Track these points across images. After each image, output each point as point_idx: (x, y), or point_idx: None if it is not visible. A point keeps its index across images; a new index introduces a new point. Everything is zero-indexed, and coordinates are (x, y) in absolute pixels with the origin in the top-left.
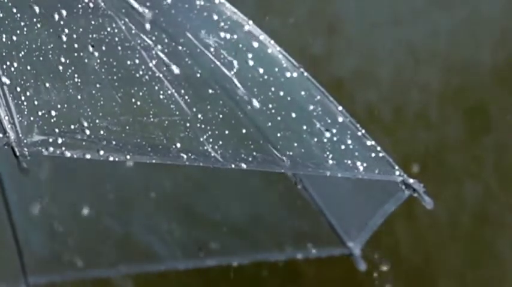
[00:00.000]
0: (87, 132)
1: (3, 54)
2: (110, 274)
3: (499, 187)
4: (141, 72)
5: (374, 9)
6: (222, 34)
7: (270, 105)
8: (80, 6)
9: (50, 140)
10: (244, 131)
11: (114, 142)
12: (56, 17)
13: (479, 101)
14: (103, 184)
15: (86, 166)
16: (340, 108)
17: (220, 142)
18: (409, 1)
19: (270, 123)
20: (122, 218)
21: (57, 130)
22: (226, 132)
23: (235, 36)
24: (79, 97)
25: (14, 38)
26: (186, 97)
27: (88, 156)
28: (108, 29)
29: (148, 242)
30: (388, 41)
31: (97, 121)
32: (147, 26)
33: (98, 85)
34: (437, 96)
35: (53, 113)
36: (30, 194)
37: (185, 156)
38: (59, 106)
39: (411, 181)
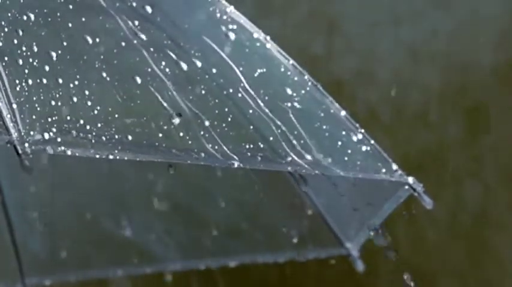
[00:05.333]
0: (88, 130)
1: (5, 52)
2: (107, 275)
3: (499, 187)
4: (142, 72)
5: (374, 9)
6: (224, 34)
7: (270, 105)
8: (81, 5)
9: (52, 138)
10: (244, 130)
11: (114, 141)
12: (57, 16)
13: (479, 101)
14: (101, 185)
15: (85, 166)
16: (339, 108)
17: (221, 141)
18: (409, 1)
19: (269, 123)
20: (120, 219)
21: (59, 128)
22: (227, 131)
23: (236, 37)
24: (81, 96)
25: (16, 36)
26: (187, 96)
27: (89, 154)
28: (109, 28)
29: (147, 243)
30: (388, 41)
31: (98, 120)
32: (148, 26)
33: (99, 84)
34: (437, 96)
35: (55, 111)
36: (28, 194)
37: (186, 155)
38: (60, 104)
39: (411, 180)
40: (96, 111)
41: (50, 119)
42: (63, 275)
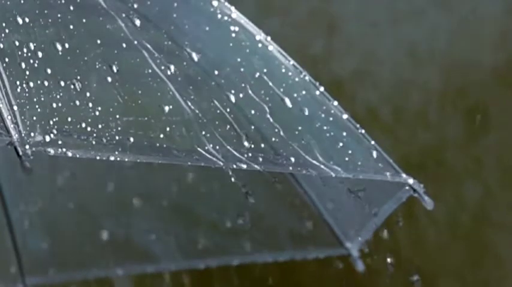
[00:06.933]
0: (89, 132)
1: (6, 54)
2: (108, 274)
3: (499, 187)
4: (142, 73)
5: (374, 9)
6: (224, 34)
7: (271, 106)
8: (81, 6)
9: (53, 139)
10: (245, 131)
11: (115, 142)
12: (58, 17)
13: (479, 101)
14: (101, 185)
15: (85, 166)
16: (340, 109)
17: (221, 142)
18: (409, 1)
19: (270, 124)
20: (120, 219)
21: (59, 130)
22: (228, 132)
23: (238, 38)
24: (81, 97)
25: (17, 38)
26: (188, 97)
27: (90, 156)
28: (110, 29)
29: (147, 243)
30: (388, 41)
31: (99, 121)
32: (149, 26)
33: (100, 85)
34: (437, 96)
35: (56, 113)
36: (29, 194)
37: (186, 156)
38: (61, 106)
39: (411, 181)
40: (97, 113)
41: (50, 121)
42: (63, 275)
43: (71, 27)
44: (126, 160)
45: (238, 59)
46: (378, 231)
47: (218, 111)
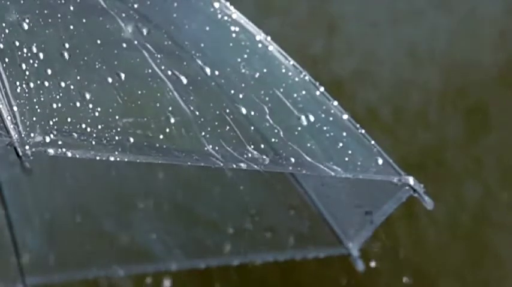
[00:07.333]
0: (89, 132)
1: (6, 54)
2: (108, 274)
3: (499, 187)
4: (142, 73)
5: (374, 9)
6: (224, 35)
7: (271, 106)
8: (81, 6)
9: (53, 140)
10: (245, 131)
11: (115, 142)
12: (58, 17)
13: (479, 101)
14: (101, 185)
15: (85, 166)
16: (340, 109)
17: (221, 143)
18: (409, 1)
19: (270, 124)
20: (120, 219)
21: (59, 130)
22: (227, 133)
23: (238, 38)
24: (81, 97)
25: (16, 38)
26: (188, 97)
27: (90, 156)
28: (110, 29)
29: (148, 243)
30: (388, 41)
31: (99, 121)
32: (149, 27)
33: (100, 85)
34: (437, 96)
35: (55, 113)
36: (28, 194)
37: (186, 156)
38: (61, 106)
39: (411, 181)
40: (96, 113)
41: (50, 121)
42: (63, 275)
43: (71, 27)
44: (126, 160)
45: (238, 59)
46: (377, 231)
47: (218, 111)
